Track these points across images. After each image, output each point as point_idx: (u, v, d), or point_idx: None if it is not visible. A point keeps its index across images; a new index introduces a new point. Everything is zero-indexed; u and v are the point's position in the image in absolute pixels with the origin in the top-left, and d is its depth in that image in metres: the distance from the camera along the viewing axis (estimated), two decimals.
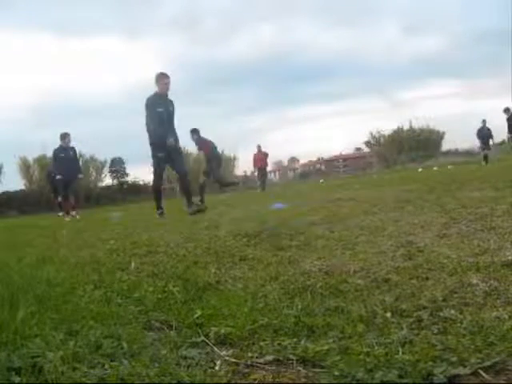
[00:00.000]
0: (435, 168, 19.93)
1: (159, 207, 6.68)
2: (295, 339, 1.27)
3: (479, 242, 2.26)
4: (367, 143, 38.82)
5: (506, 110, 16.28)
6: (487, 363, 1.03)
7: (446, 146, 36.38)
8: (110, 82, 68.74)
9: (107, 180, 32.91)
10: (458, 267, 1.82)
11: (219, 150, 11.69)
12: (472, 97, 75.49)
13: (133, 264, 2.55)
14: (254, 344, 1.29)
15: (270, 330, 1.35)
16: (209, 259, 2.52)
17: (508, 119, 16.24)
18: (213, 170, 9.71)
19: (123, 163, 34.56)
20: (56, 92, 60.13)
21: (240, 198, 12.04)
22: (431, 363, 1.04)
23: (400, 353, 1.11)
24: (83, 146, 26.71)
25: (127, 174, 34.06)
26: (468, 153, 30.16)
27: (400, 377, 1.01)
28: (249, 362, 1.18)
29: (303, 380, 1.08)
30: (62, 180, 10.15)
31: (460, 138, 53.53)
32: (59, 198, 11.74)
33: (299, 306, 1.53)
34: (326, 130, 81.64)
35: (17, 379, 1.09)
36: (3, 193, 27.21)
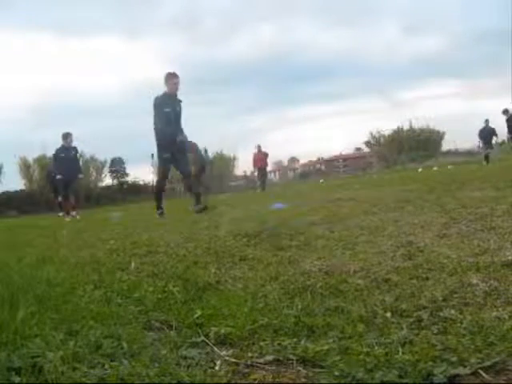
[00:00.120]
0: (435, 168, 19.92)
1: (159, 207, 6.69)
2: (295, 339, 1.27)
3: (479, 242, 2.26)
4: (367, 143, 38.85)
5: (505, 112, 16.28)
6: (487, 363, 1.03)
7: (446, 146, 36.44)
8: (110, 82, 68.73)
9: (107, 180, 33.00)
10: (458, 267, 1.82)
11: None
12: (472, 97, 75.51)
13: (133, 264, 2.55)
14: (254, 344, 1.29)
15: (270, 330, 1.35)
16: (209, 259, 2.52)
17: (507, 120, 16.23)
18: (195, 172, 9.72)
19: (123, 163, 34.60)
20: (56, 92, 60.10)
21: (240, 198, 12.04)
22: (431, 363, 1.04)
23: (400, 353, 1.11)
24: (85, 146, 26.78)
25: (127, 174, 34.13)
26: (468, 153, 30.14)
27: (400, 377, 1.01)
28: (249, 362, 1.18)
29: (303, 380, 1.08)
30: (62, 180, 10.14)
31: (460, 137, 53.40)
32: (59, 198, 11.75)
33: (299, 306, 1.53)
34: (326, 130, 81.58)
35: (17, 379, 1.09)
36: (3, 193, 27.23)
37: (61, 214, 11.60)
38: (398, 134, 36.16)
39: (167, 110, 6.37)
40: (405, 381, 1.00)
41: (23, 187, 28.73)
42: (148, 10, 72.98)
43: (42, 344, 1.26)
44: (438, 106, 68.48)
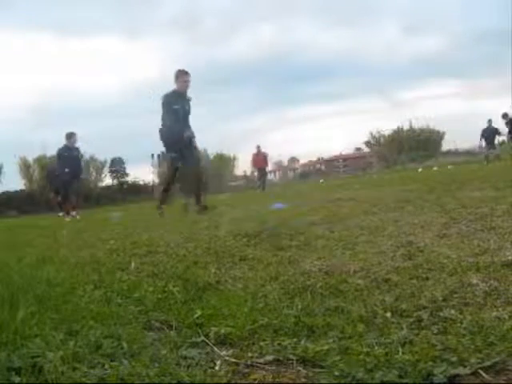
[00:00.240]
0: (435, 168, 19.93)
1: (160, 207, 6.66)
2: (295, 339, 1.27)
3: (479, 242, 2.26)
4: (367, 143, 38.88)
5: (505, 116, 16.28)
6: (487, 363, 1.03)
7: (446, 145, 36.47)
8: (110, 82, 68.74)
9: (107, 180, 33.03)
10: (458, 267, 1.82)
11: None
12: (472, 97, 75.50)
13: (133, 264, 2.54)
14: (254, 344, 1.29)
15: (270, 330, 1.35)
16: (209, 259, 2.52)
17: (507, 123, 16.24)
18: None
19: (123, 163, 34.62)
20: (56, 92, 60.16)
21: (240, 197, 12.04)
22: (431, 363, 1.04)
23: (400, 353, 1.11)
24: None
25: (127, 174, 34.16)
26: (469, 153, 30.14)
27: (400, 377, 1.01)
28: (249, 362, 1.18)
29: (303, 380, 1.08)
30: (65, 179, 10.05)
31: (460, 137, 53.42)
32: (59, 198, 11.74)
33: (299, 306, 1.53)
34: (326, 130, 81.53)
35: (17, 379, 1.09)
36: (3, 193, 27.25)
37: (61, 213, 11.59)
38: (398, 133, 36.20)
39: (176, 107, 6.26)
40: (405, 381, 1.00)
41: (23, 187, 28.77)
42: (148, 10, 73.05)
43: (42, 344, 1.26)
44: (438, 106, 68.63)
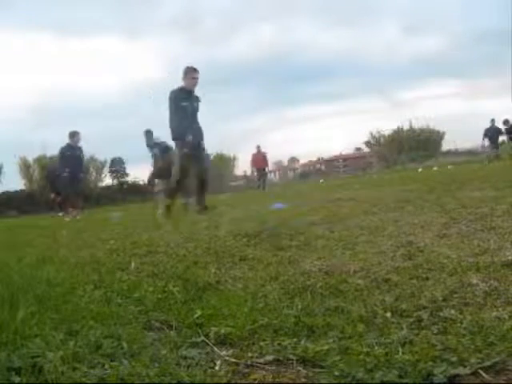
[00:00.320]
0: (435, 168, 19.92)
1: (166, 207, 6.44)
2: (295, 339, 1.27)
3: (479, 242, 2.26)
4: (367, 143, 38.91)
5: (506, 122, 16.26)
6: (487, 363, 1.03)
7: (446, 145, 36.49)
8: (110, 82, 68.77)
9: (107, 180, 33.03)
10: (458, 267, 1.82)
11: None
12: (472, 97, 75.58)
13: (133, 264, 2.54)
14: (254, 344, 1.29)
15: (270, 330, 1.35)
16: (209, 259, 2.52)
17: (507, 129, 16.23)
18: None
19: (123, 163, 34.58)
20: (56, 92, 60.18)
21: (240, 198, 12.04)
22: (431, 363, 1.04)
23: (400, 353, 1.11)
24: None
25: (127, 174, 34.12)
26: (471, 152, 30.15)
27: (400, 377, 1.01)
28: (249, 362, 1.18)
29: (303, 380, 1.08)
30: (67, 178, 9.97)
31: (460, 137, 53.47)
32: (59, 198, 11.73)
33: (299, 306, 1.53)
34: (325, 130, 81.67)
35: (17, 379, 1.09)
36: (3, 193, 27.27)
37: (61, 213, 11.58)
38: (397, 134, 36.22)
39: (185, 104, 6.07)
40: (405, 381, 1.00)
41: (23, 187, 28.79)
42: (148, 10, 73.08)
43: (42, 344, 1.26)
44: (438, 106, 68.69)
